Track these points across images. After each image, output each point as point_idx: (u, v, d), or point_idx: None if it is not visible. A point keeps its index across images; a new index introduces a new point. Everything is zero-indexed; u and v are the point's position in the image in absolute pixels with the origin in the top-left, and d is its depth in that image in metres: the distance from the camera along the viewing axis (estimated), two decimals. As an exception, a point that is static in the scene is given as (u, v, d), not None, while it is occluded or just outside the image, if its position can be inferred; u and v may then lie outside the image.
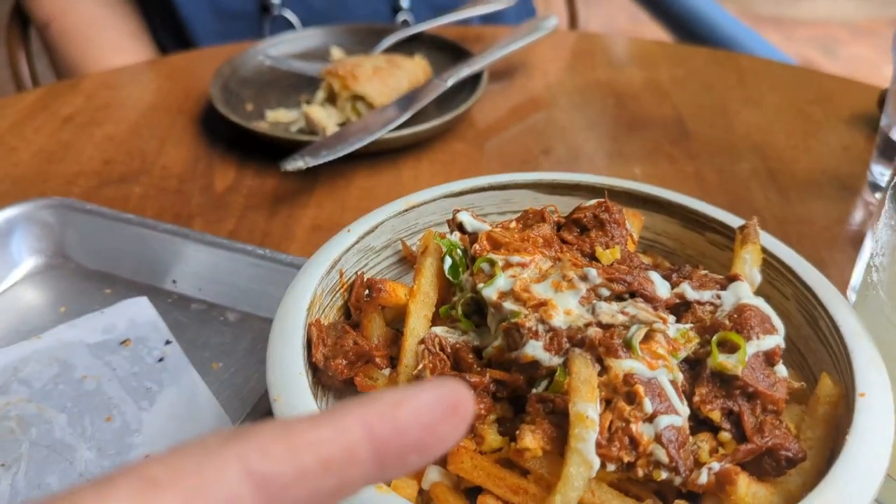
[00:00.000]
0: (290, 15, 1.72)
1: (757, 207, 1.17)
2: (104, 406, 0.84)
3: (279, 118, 1.34)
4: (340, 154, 1.14)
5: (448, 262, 0.74)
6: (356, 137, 1.18)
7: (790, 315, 0.75)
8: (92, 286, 1.01)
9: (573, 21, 2.29)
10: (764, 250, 0.77)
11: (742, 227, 0.77)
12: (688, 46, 1.80)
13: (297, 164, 1.11)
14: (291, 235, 1.11)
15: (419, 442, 0.36)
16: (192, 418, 0.81)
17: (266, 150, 1.26)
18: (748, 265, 0.74)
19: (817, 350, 0.72)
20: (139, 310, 0.96)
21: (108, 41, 1.81)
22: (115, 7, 1.83)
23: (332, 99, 1.33)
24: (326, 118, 1.28)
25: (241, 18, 1.73)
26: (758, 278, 0.74)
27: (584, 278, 0.66)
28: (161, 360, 0.90)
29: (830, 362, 0.69)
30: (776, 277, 0.77)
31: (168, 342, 0.92)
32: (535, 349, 0.63)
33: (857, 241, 1.09)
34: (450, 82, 1.34)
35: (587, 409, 0.57)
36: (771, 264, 0.77)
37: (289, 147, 1.19)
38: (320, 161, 1.13)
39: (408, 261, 0.85)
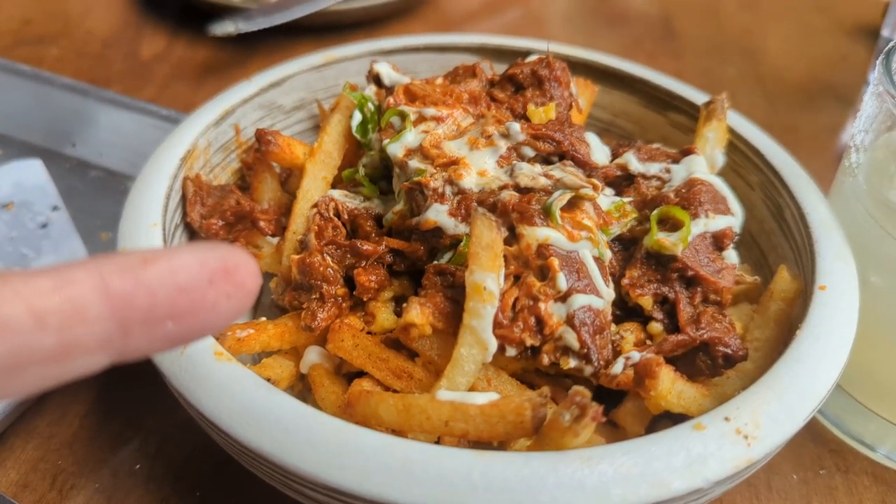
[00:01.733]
0: None
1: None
2: (-30, 271, 0.73)
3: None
4: (278, 22, 1.02)
5: (357, 118, 0.63)
6: (298, 6, 1.05)
7: (754, 207, 0.64)
8: (-19, 149, 0.90)
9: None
10: (730, 131, 0.66)
11: (708, 103, 0.65)
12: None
13: (226, 28, 0.99)
14: (218, 109, 0.99)
15: (174, 306, 0.31)
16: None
17: (203, 20, 1.13)
18: (710, 144, 0.63)
19: (779, 245, 0.61)
20: (29, 172, 0.84)
21: None
22: None
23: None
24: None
25: None
26: (720, 160, 0.63)
27: (506, 135, 0.55)
28: (45, 226, 0.79)
29: (793, 258, 0.59)
30: (742, 163, 0.66)
31: (56, 208, 0.81)
32: (438, 213, 0.53)
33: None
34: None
35: (485, 280, 0.47)
36: (737, 147, 0.66)
37: (226, 14, 1.06)
38: (254, 27, 1.00)
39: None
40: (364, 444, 0.40)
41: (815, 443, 0.63)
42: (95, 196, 0.84)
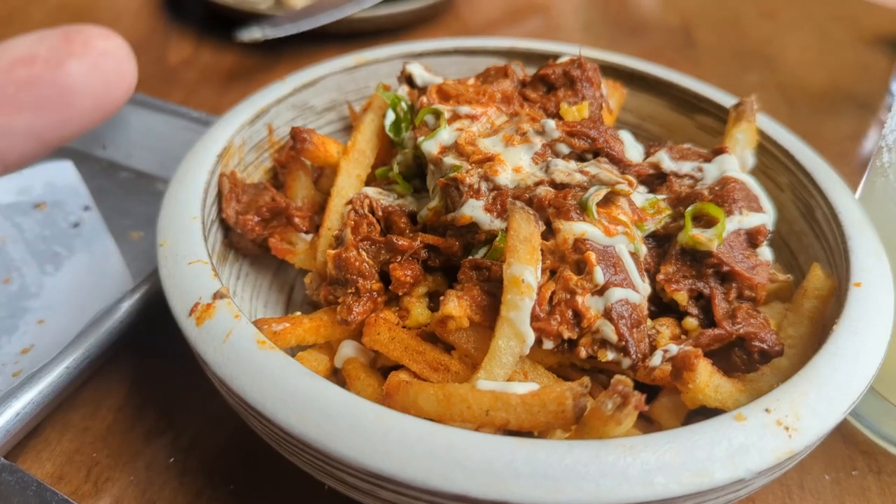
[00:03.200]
0: None
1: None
2: (4, 268, 0.74)
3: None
4: (304, 29, 1.03)
5: (391, 117, 0.63)
6: (324, 13, 1.06)
7: (784, 208, 0.65)
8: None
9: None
10: (759, 132, 0.66)
11: (737, 105, 0.66)
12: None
13: (254, 34, 1.00)
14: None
15: None
16: (97, 285, 0.72)
17: (229, 27, 1.14)
18: (740, 145, 0.63)
19: (811, 246, 0.62)
20: (61, 173, 0.86)
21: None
22: None
23: (306, -23, 1.21)
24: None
25: None
26: (750, 161, 0.63)
27: (541, 132, 0.56)
28: (76, 225, 0.80)
29: (825, 258, 0.59)
30: (771, 165, 0.66)
31: (87, 208, 0.82)
32: (474, 209, 0.53)
33: (868, 159, 0.98)
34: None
35: (524, 272, 0.47)
36: (766, 150, 0.66)
37: (252, 21, 1.07)
38: (281, 34, 1.01)
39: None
40: (408, 431, 0.40)
41: (846, 444, 0.63)
42: (125, 196, 0.85)
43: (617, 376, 0.42)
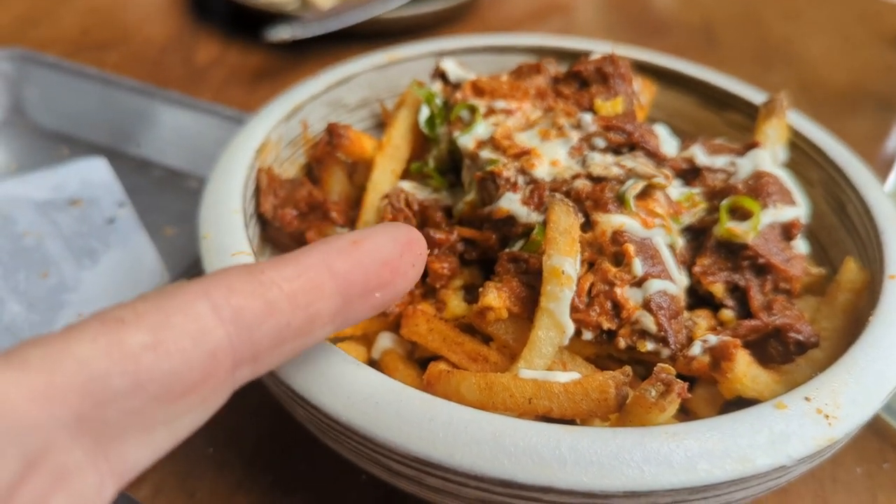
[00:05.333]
0: None
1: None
2: (42, 262, 0.76)
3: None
4: (331, 29, 1.04)
5: (425, 113, 0.64)
6: (352, 14, 1.07)
7: (815, 204, 0.65)
8: (49, 146, 0.93)
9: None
10: (790, 129, 0.66)
11: (767, 101, 0.66)
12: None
13: (282, 34, 1.01)
14: (272, 112, 1.01)
15: (381, 278, 0.38)
16: (134, 279, 0.73)
17: (256, 27, 1.16)
18: (771, 141, 0.64)
19: (842, 241, 0.62)
20: (95, 170, 0.87)
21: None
22: None
23: (331, -21, 1.22)
24: (323, -3, 1.17)
25: None
26: (782, 156, 0.64)
27: (577, 126, 0.57)
28: (112, 221, 0.81)
29: (857, 252, 0.59)
30: (801, 161, 0.67)
31: (122, 204, 0.83)
32: (511, 202, 0.54)
33: (893, 160, 0.98)
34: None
35: (563, 264, 0.48)
36: (796, 146, 0.67)
37: (279, 21, 1.09)
38: (310, 34, 1.03)
39: (386, 126, 0.76)
40: (453, 418, 0.41)
41: (877, 438, 0.63)
42: (159, 193, 0.86)
43: (659, 364, 0.42)
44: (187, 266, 0.73)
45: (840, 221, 0.63)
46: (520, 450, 0.40)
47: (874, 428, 0.64)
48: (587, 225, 0.52)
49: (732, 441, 0.41)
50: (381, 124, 0.76)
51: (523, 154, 0.56)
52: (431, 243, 0.56)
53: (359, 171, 0.69)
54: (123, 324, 0.30)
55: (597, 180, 0.54)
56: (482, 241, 0.56)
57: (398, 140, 0.64)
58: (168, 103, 0.90)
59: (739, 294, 0.53)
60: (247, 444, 0.61)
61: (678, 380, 0.42)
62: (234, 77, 1.07)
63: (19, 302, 0.71)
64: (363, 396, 0.43)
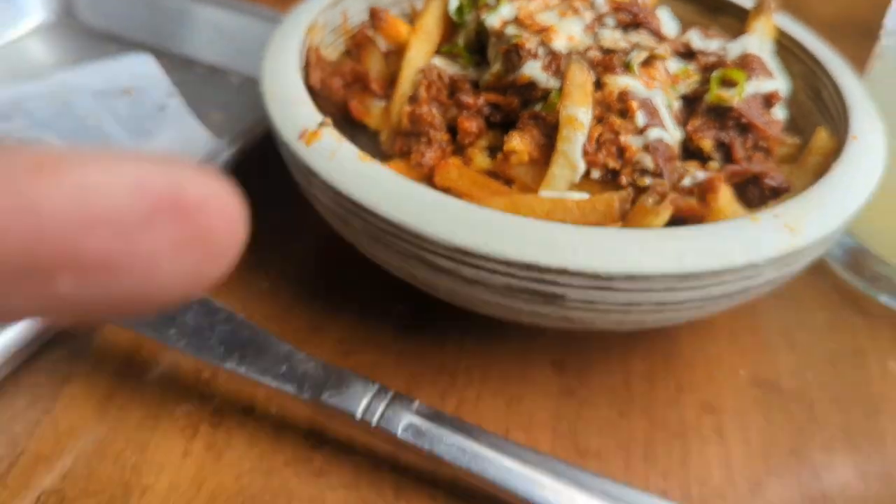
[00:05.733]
0: None
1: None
2: (102, 139, 0.84)
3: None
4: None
5: (454, 2, 0.73)
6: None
7: (795, 94, 0.74)
8: (99, 45, 1.00)
9: None
10: (776, 28, 0.75)
11: (757, 3, 0.75)
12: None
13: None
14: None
15: (75, 251, 0.18)
16: (187, 151, 0.82)
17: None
18: (759, 34, 0.72)
19: (817, 120, 0.71)
20: (143, 64, 0.95)
21: None
22: None
23: None
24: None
25: None
26: (768, 49, 0.73)
27: (591, 7, 0.65)
28: (163, 108, 0.90)
29: (829, 129, 0.69)
30: (784, 56, 0.75)
31: (171, 95, 0.91)
32: (532, 69, 0.63)
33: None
34: None
35: (578, 112, 0.57)
36: (782, 44, 0.76)
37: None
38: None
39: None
40: (488, 217, 0.51)
41: (838, 293, 0.73)
42: (202, 87, 0.94)
43: (656, 180, 0.52)
44: (230, 140, 0.82)
45: (816, 107, 0.72)
46: (541, 240, 0.49)
47: (835, 285, 0.74)
48: (597, 87, 0.61)
49: (714, 241, 0.50)
50: (411, 21, 0.84)
51: (543, 30, 0.64)
52: (461, 106, 0.65)
53: (392, 58, 0.78)
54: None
55: (606, 52, 0.63)
56: (505, 105, 0.65)
57: (430, 25, 0.72)
58: (208, 3, 0.97)
59: (725, 150, 0.62)
60: (295, 280, 0.70)
61: (671, 192, 0.51)
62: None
63: (85, 169, 0.80)
64: (413, 201, 0.52)
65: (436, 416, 0.54)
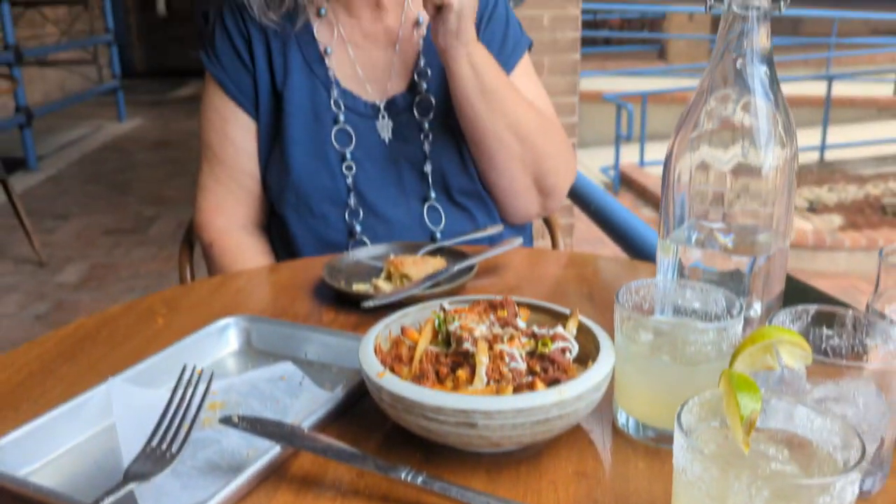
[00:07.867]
0: (365, 239, 2.79)
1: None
2: (273, 402, 1.76)
3: (360, 289, 2.34)
4: (394, 300, 2.13)
5: (437, 322, 1.68)
6: (403, 292, 2.16)
7: (582, 344, 1.65)
8: (263, 359, 1.96)
9: (554, 245, 3.34)
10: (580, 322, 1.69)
11: (571, 312, 1.70)
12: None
13: (369, 303, 2.10)
14: (364, 341, 2.05)
15: None
16: (316, 404, 1.72)
17: (349, 305, 2.24)
18: (570, 324, 1.67)
19: (590, 355, 1.61)
20: (288, 365, 1.89)
21: (250, 257, 2.87)
22: (255, 236, 2.93)
23: (389, 277, 2.34)
24: (386, 286, 2.28)
25: (335, 247, 2.78)
26: (573, 329, 1.66)
27: (489, 319, 1.61)
28: (300, 385, 1.82)
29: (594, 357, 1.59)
30: (581, 330, 1.68)
31: (302, 379, 1.85)
32: (466, 345, 1.56)
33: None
34: (455, 269, 2.34)
35: (483, 359, 1.49)
36: (581, 326, 1.69)
37: (363, 299, 2.17)
38: (383, 302, 2.11)
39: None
40: (446, 395, 1.41)
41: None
42: (318, 375, 1.88)
43: (514, 381, 1.42)
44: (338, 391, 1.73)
45: (592, 347, 1.63)
46: (469, 400, 1.38)
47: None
48: (491, 348, 1.53)
49: (532, 397, 1.39)
50: (419, 330, 1.79)
51: (470, 329, 1.59)
52: (441, 364, 1.57)
53: (412, 348, 1.71)
54: None
55: (495, 335, 1.56)
56: (456, 360, 1.57)
57: (427, 332, 1.66)
58: (318, 332, 1.95)
59: (548, 367, 1.52)
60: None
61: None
62: (335, 326, 2.13)
63: (272, 412, 1.70)
64: (419, 392, 1.41)
65: None
